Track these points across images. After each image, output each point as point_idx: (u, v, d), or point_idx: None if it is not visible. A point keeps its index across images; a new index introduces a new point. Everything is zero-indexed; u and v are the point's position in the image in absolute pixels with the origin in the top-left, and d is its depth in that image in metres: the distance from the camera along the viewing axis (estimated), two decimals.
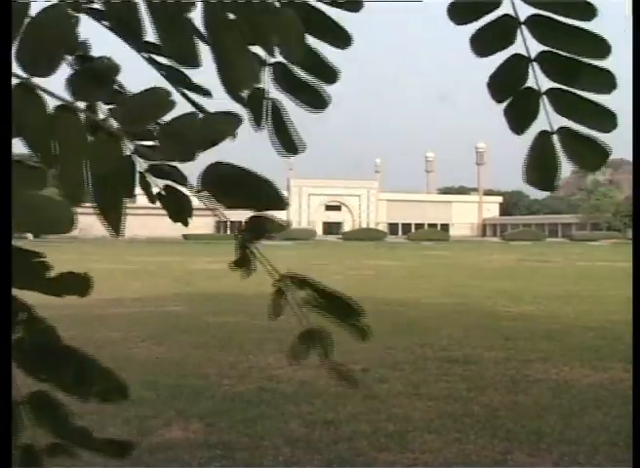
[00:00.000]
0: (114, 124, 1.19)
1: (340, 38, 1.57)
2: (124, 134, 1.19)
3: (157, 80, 1.41)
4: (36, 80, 1.14)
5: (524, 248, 58.24)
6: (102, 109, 1.27)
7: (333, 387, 6.61)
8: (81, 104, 1.19)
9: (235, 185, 1.29)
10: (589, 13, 1.47)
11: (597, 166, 1.56)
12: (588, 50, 1.49)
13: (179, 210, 1.48)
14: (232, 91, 1.27)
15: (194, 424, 5.32)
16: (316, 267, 28.33)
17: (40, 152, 1.16)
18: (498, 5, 1.49)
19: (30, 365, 1.19)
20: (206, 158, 1.27)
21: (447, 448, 4.83)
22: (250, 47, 1.31)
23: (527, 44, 1.53)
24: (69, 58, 1.33)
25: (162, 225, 76.14)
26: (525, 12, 1.52)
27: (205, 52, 1.23)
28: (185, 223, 1.47)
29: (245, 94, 1.37)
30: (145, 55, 1.49)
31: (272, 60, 1.56)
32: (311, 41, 1.58)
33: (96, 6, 1.34)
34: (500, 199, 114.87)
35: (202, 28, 1.22)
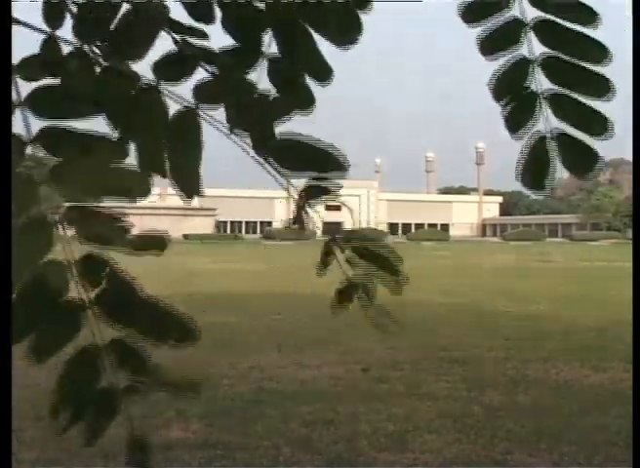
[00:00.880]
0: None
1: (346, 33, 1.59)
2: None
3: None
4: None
5: (524, 248, 58.21)
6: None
7: (333, 387, 6.61)
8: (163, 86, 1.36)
9: (302, 153, 1.45)
10: (591, 18, 1.51)
11: (587, 173, 1.59)
12: (590, 56, 1.53)
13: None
14: None
15: (194, 424, 5.32)
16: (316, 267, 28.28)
17: (120, 127, 1.34)
18: (507, 5, 1.53)
19: (111, 314, 1.30)
20: None
21: (447, 448, 4.83)
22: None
23: (531, 46, 1.56)
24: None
25: (162, 225, 76.00)
26: (531, 14, 1.53)
27: None
28: None
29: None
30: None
31: (270, 54, 1.60)
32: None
33: None
34: (500, 199, 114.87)
35: None
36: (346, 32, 1.58)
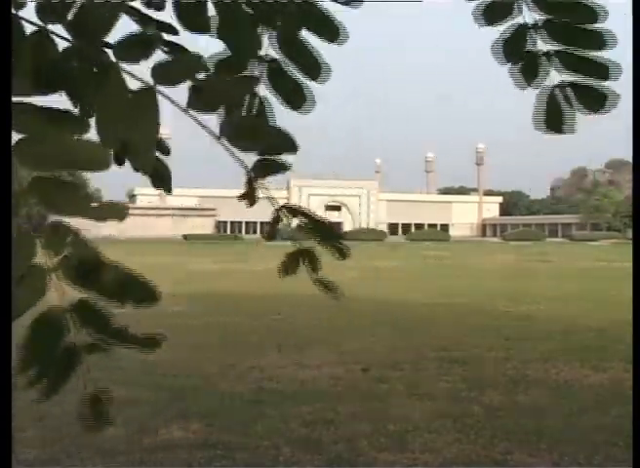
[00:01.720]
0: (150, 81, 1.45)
1: (333, 32, 1.66)
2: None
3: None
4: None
5: (524, 248, 58.21)
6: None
7: (333, 387, 6.61)
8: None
9: (250, 133, 1.56)
10: None
11: (600, 107, 1.77)
12: (584, 17, 1.71)
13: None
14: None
15: (194, 424, 5.32)
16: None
17: (81, 103, 1.43)
18: None
19: (75, 278, 1.40)
20: None
21: (447, 448, 4.83)
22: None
23: (525, 13, 1.74)
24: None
25: (162, 225, 76.22)
26: None
27: None
28: None
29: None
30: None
31: (268, 58, 1.69)
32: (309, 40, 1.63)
33: None
34: (499, 199, 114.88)
35: None
36: (331, 30, 1.66)
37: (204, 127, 1.55)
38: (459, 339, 9.40)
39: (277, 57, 1.69)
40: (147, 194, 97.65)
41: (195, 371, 7.21)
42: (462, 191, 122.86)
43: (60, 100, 1.45)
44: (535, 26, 1.74)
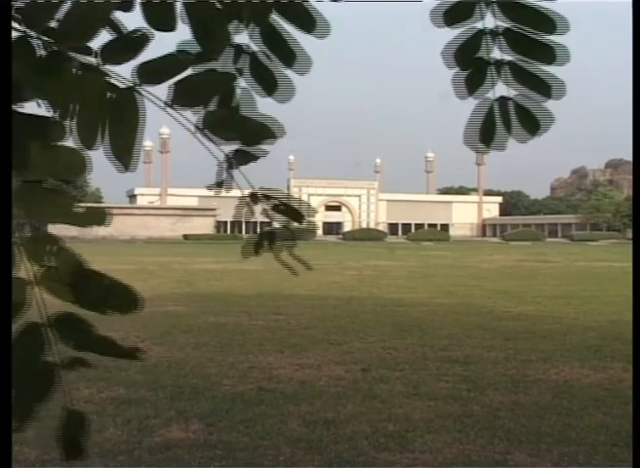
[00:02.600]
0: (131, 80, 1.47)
1: (310, 22, 1.69)
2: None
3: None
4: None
5: (524, 248, 58.20)
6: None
7: (333, 387, 6.61)
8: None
9: (230, 124, 1.61)
10: None
11: (529, 136, 1.77)
12: (543, 26, 1.69)
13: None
14: None
15: (194, 424, 5.32)
16: (317, 267, 28.29)
17: (61, 109, 1.43)
18: None
19: (60, 288, 1.39)
20: None
21: (447, 448, 4.83)
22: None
23: (485, 19, 1.72)
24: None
25: (162, 225, 76.19)
26: None
27: None
28: None
29: None
30: None
31: (250, 50, 1.73)
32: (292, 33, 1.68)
33: None
34: (499, 199, 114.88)
35: None
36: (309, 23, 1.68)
37: (184, 119, 1.58)
38: (459, 339, 9.40)
39: (256, 48, 1.72)
40: (147, 194, 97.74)
41: (195, 371, 7.21)
42: (462, 191, 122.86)
43: (32, 106, 1.44)
44: (492, 33, 1.70)
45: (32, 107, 1.43)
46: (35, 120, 1.39)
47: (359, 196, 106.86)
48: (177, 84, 1.52)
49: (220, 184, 1.72)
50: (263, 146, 1.67)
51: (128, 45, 1.47)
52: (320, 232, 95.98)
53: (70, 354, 1.45)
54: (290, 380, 6.84)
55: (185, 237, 68.43)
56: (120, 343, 1.54)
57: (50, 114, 1.44)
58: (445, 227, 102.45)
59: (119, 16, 1.54)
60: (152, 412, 5.60)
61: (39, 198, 1.37)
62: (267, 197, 1.79)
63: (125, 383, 6.56)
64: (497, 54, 1.73)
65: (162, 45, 1.59)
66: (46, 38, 1.42)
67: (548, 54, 1.69)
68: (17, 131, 1.33)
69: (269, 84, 1.75)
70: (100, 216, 1.46)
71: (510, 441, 5.00)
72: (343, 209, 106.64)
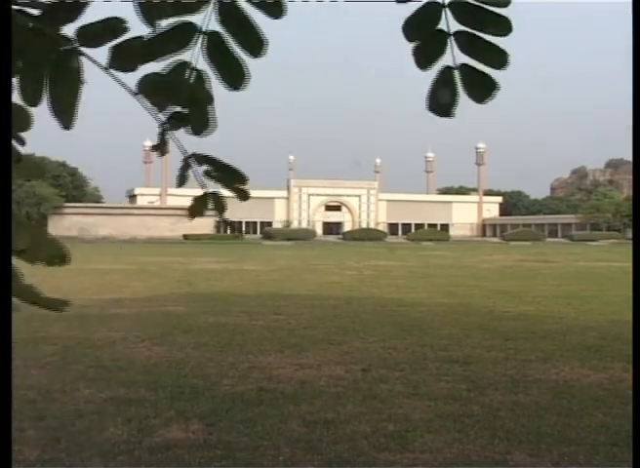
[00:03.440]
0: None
1: (276, 8, 1.72)
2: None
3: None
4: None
5: (524, 248, 58.20)
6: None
7: (333, 387, 6.61)
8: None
9: (164, 88, 1.66)
10: None
11: (487, 97, 1.84)
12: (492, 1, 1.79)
13: None
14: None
15: (194, 424, 5.32)
16: (317, 267, 28.33)
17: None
18: None
19: None
20: None
21: (447, 448, 4.83)
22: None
23: None
24: None
25: (162, 225, 76.14)
26: None
27: None
28: None
29: None
30: None
31: (207, 30, 1.73)
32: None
33: None
34: (499, 199, 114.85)
35: None
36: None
37: (123, 85, 1.63)
38: (459, 339, 9.40)
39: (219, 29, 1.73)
40: (147, 194, 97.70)
41: (195, 371, 7.21)
42: (462, 191, 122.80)
43: None
44: (450, 4, 1.79)
45: None
46: None
47: (359, 196, 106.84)
48: (114, 47, 1.58)
49: (156, 147, 1.78)
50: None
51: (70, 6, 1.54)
52: (320, 232, 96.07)
53: None
54: (290, 380, 6.84)
55: (185, 237, 68.39)
56: (44, 295, 1.56)
57: None
58: (445, 227, 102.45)
59: None
60: (152, 412, 5.60)
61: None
62: (206, 160, 1.83)
63: (125, 383, 6.56)
64: (452, 26, 1.82)
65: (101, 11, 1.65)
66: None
67: (500, 25, 1.79)
68: None
69: (228, 68, 1.76)
70: (60, 255, 1.51)
71: (510, 441, 5.00)
72: (343, 209, 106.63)
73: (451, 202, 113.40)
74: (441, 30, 1.81)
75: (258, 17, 1.70)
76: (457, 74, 1.84)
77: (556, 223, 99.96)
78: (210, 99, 1.70)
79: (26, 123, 1.54)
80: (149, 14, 1.62)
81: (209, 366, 7.49)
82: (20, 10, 1.54)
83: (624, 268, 18.26)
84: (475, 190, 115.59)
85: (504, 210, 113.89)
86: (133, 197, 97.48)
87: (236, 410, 5.71)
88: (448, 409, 5.83)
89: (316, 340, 9.26)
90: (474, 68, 1.83)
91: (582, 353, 8.43)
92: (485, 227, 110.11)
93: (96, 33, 1.56)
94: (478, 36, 1.80)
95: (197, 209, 1.95)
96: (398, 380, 6.88)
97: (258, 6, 1.69)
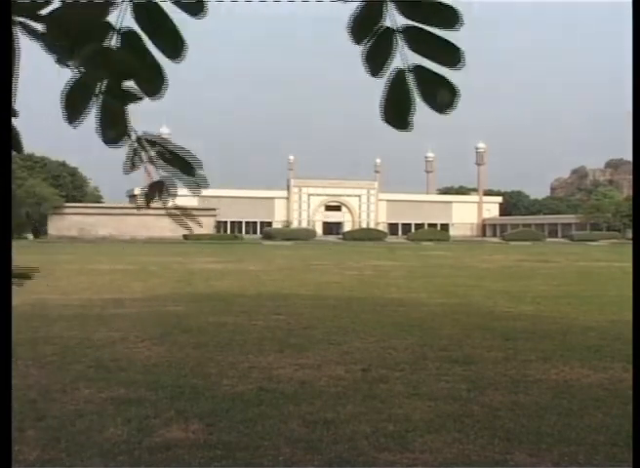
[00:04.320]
0: None
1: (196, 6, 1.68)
2: None
3: None
4: None
5: (524, 248, 58.21)
6: None
7: (333, 387, 6.61)
8: None
9: (102, 60, 1.60)
10: None
11: (447, 106, 1.69)
12: None
13: None
14: None
15: (194, 424, 5.31)
16: (317, 267, 28.32)
17: None
18: None
19: None
20: None
21: (447, 448, 4.83)
22: None
23: None
24: None
25: (162, 225, 76.10)
26: None
27: None
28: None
29: None
30: None
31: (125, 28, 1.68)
32: None
33: None
34: (499, 199, 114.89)
35: None
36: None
37: (59, 62, 1.60)
38: (459, 339, 9.40)
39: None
40: None
41: (195, 371, 7.20)
42: (462, 191, 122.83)
43: None
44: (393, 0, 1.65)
45: None
46: None
47: (359, 196, 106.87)
48: (49, 16, 1.55)
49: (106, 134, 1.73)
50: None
51: None
52: (320, 232, 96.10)
53: None
54: (290, 380, 6.84)
55: (185, 237, 68.34)
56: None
57: None
58: (445, 227, 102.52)
59: None
60: (152, 412, 5.60)
61: None
62: (153, 143, 1.76)
63: (125, 383, 6.56)
64: (398, 21, 1.68)
65: None
66: None
67: (446, 16, 1.65)
68: None
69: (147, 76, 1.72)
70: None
71: (510, 441, 5.00)
72: (343, 209, 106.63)
73: (451, 202, 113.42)
74: (388, 28, 1.66)
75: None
76: (410, 79, 1.68)
77: (556, 223, 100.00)
78: (156, 79, 1.64)
79: None
80: None
81: (209, 366, 7.48)
82: None
83: (624, 268, 18.27)
84: (475, 190, 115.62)
85: (504, 210, 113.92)
86: (133, 197, 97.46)
87: (236, 410, 5.70)
88: (448, 409, 5.82)
89: (316, 340, 9.26)
90: (429, 70, 1.67)
91: (582, 353, 8.43)
92: (485, 227, 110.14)
93: (30, 4, 1.54)
94: (427, 31, 1.64)
95: (149, 197, 1.88)
96: (398, 380, 6.88)
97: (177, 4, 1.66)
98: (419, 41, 1.65)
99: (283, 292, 16.84)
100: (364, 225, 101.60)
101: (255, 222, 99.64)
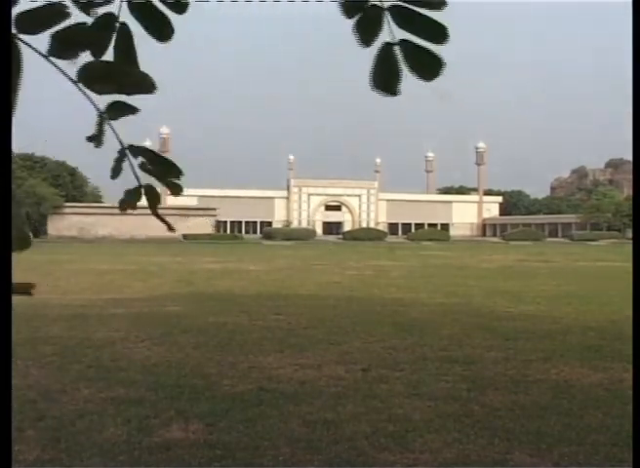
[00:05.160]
0: None
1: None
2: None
3: None
4: None
5: (524, 248, 58.22)
6: None
7: (333, 387, 6.61)
8: None
9: (105, 75, 1.62)
10: None
11: (433, 75, 1.80)
12: None
13: None
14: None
15: (194, 424, 5.31)
16: (317, 267, 28.32)
17: None
18: None
19: None
20: None
21: (447, 448, 4.83)
22: None
23: None
24: None
25: (162, 225, 75.91)
26: None
27: None
28: None
29: None
30: None
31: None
32: None
33: None
34: (499, 199, 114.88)
35: None
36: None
37: (63, 73, 1.59)
38: (459, 339, 9.40)
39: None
40: None
41: (195, 371, 7.21)
42: (462, 191, 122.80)
43: None
44: None
45: None
46: None
47: (359, 196, 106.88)
48: (54, 35, 1.55)
49: (91, 138, 1.73)
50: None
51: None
52: (320, 232, 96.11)
53: None
54: (290, 380, 6.84)
55: (185, 237, 68.38)
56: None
57: None
58: (445, 227, 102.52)
59: None
60: (152, 412, 5.60)
61: None
62: (142, 152, 1.80)
63: (125, 383, 6.56)
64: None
65: None
66: None
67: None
68: None
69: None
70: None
71: (510, 441, 5.00)
72: (343, 209, 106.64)
73: (451, 202, 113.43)
74: (375, 5, 1.77)
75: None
76: (398, 51, 1.80)
77: (556, 223, 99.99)
78: (152, 89, 1.66)
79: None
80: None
81: (209, 366, 7.48)
82: None
83: (624, 268, 18.26)
84: (475, 190, 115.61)
85: (504, 209, 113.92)
86: None
87: (236, 410, 5.71)
88: (448, 409, 5.82)
89: (316, 340, 9.26)
90: (415, 44, 1.78)
91: (582, 353, 8.43)
92: (485, 227, 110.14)
93: (35, 19, 1.52)
94: (413, 10, 1.75)
95: (129, 202, 1.91)
96: (398, 380, 6.88)
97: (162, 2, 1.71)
98: (405, 19, 1.77)
99: (283, 292, 16.84)
100: (364, 225, 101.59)
101: (255, 222, 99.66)
